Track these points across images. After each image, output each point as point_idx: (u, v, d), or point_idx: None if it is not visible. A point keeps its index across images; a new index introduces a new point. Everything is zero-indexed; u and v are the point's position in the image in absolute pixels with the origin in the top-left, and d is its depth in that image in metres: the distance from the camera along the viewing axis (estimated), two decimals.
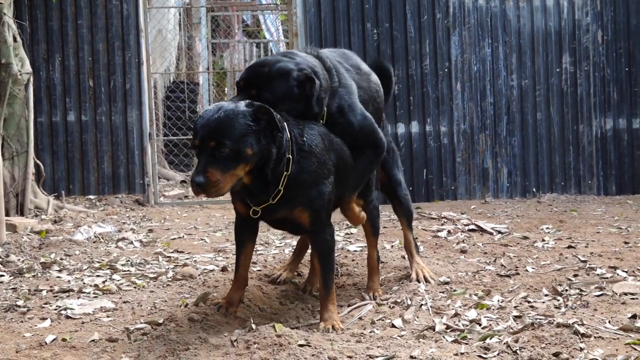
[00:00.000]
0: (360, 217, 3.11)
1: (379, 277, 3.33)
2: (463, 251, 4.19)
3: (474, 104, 6.81)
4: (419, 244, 4.33)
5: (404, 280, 3.45)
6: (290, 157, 2.62)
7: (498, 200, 6.72)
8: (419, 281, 3.38)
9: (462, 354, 2.36)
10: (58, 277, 3.63)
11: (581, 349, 2.32)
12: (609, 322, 2.61)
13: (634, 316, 2.66)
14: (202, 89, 10.47)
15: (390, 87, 3.64)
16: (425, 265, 3.56)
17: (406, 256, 3.66)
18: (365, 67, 3.33)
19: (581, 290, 3.10)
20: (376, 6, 6.69)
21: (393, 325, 2.74)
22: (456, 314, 2.84)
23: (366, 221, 3.25)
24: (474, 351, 2.39)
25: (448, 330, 2.64)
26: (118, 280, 3.53)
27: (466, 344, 2.48)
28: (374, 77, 3.34)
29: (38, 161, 5.78)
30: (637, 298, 2.93)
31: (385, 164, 3.41)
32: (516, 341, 2.44)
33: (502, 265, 3.76)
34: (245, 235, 2.88)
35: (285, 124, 2.63)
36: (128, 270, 3.75)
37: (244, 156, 2.48)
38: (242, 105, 2.54)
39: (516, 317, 2.74)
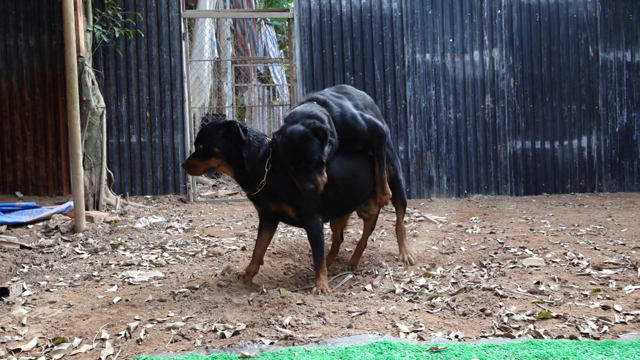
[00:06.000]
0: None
1: (360, 256, 3.31)
2: (415, 235, 4.19)
3: (422, 131, 6.80)
4: (383, 231, 4.34)
5: (372, 256, 3.44)
6: (270, 158, 2.66)
7: (440, 199, 6.72)
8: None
9: (415, 310, 2.35)
10: (123, 254, 3.60)
11: (500, 306, 2.32)
12: (520, 286, 2.61)
13: (537, 282, 2.66)
14: (228, 119, 10.44)
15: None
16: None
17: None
18: (357, 90, 3.18)
19: (500, 264, 3.10)
20: (353, 60, 6.69)
21: (365, 289, 2.73)
22: (410, 281, 2.84)
23: (367, 222, 3.26)
24: (424, 308, 2.38)
25: (405, 293, 2.63)
26: (166, 257, 3.51)
27: (418, 302, 2.47)
28: (368, 97, 3.21)
29: (109, 171, 5.71)
30: (540, 269, 2.94)
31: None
32: (454, 300, 2.43)
33: (443, 245, 3.76)
34: (263, 227, 2.87)
35: (264, 136, 2.73)
36: (174, 250, 3.72)
37: (212, 153, 2.62)
38: (222, 121, 2.65)
39: (453, 283, 2.73)
